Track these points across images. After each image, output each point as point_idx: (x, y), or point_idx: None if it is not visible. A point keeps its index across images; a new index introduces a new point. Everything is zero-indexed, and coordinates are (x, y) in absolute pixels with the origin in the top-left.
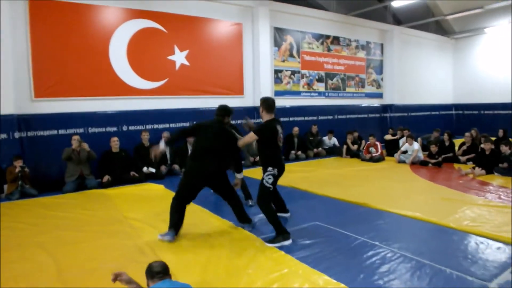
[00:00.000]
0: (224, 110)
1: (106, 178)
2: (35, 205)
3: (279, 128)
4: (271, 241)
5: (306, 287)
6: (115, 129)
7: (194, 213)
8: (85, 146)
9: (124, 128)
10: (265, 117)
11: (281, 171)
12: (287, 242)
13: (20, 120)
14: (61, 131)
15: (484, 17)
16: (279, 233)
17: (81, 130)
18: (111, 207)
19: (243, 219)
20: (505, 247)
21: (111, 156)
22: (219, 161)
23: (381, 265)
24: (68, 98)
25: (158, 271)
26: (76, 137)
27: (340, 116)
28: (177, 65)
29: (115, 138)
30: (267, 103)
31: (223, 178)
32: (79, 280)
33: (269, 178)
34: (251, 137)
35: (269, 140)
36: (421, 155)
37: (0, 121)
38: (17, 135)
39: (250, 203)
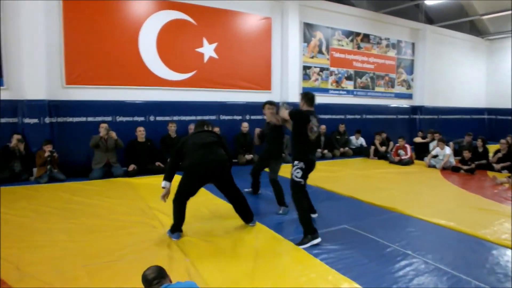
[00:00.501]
0: (202, 122)
1: (132, 167)
2: (63, 189)
3: (313, 119)
4: (300, 243)
5: None
6: (142, 119)
7: (218, 208)
8: (113, 134)
9: (151, 118)
10: (304, 107)
11: (309, 166)
12: (316, 241)
13: (51, 106)
14: (90, 119)
15: None
16: (307, 233)
17: (109, 118)
18: (136, 197)
19: (246, 218)
20: None
21: (137, 145)
22: (217, 153)
23: (415, 276)
24: (98, 86)
25: (154, 277)
26: (104, 125)
27: (368, 116)
28: (206, 58)
29: (141, 128)
30: (308, 96)
31: (227, 176)
32: (102, 270)
33: (298, 172)
34: (283, 114)
35: (300, 130)
36: (453, 161)
37: (32, 106)
38: (47, 120)
39: (280, 211)
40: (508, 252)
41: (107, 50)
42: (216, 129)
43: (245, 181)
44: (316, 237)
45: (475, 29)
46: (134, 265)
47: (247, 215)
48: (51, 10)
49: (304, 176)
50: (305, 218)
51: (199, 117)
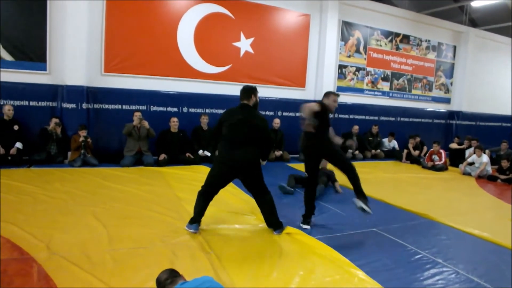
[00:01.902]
0: (248, 91)
1: (162, 156)
2: (95, 174)
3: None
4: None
5: None
6: (175, 109)
7: (249, 205)
8: (145, 123)
9: (185, 109)
10: None
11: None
12: (366, 207)
13: (89, 92)
14: (125, 106)
15: None
16: (361, 196)
17: (143, 107)
18: (165, 186)
19: (270, 223)
20: None
21: (169, 135)
22: (249, 151)
23: (445, 286)
24: (134, 75)
25: (166, 277)
26: (138, 114)
27: (403, 119)
28: (242, 52)
29: (175, 119)
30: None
31: (255, 172)
32: (127, 256)
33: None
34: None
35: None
36: (490, 169)
37: (71, 92)
38: (84, 106)
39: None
40: None
41: (146, 41)
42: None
43: (275, 178)
44: (366, 204)
45: None
46: (159, 254)
47: (271, 219)
48: (95, 2)
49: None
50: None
51: None
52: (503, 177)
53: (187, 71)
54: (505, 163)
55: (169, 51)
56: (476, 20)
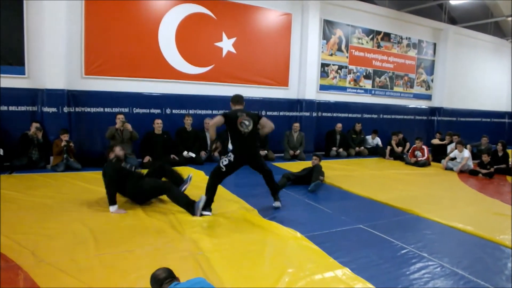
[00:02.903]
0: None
1: (147, 158)
2: (78, 178)
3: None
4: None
5: None
6: (159, 111)
7: (237, 205)
8: (128, 126)
9: (168, 111)
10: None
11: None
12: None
13: (69, 96)
14: (107, 109)
15: None
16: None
17: (126, 110)
18: None
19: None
20: None
21: (153, 137)
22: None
23: (430, 280)
24: (116, 78)
25: (165, 277)
26: (120, 116)
27: (385, 116)
28: (224, 52)
29: (159, 120)
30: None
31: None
32: (115, 260)
33: (224, 161)
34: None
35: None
36: (471, 164)
37: (52, 95)
38: (66, 109)
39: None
40: None
41: (127, 42)
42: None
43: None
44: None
45: (499, 30)
46: (148, 256)
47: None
48: (73, 2)
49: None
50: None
51: (215, 111)
52: (484, 171)
53: (170, 72)
54: (485, 158)
55: (150, 52)
56: (455, 18)
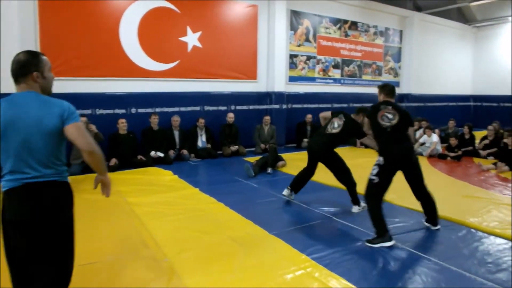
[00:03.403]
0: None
1: (113, 161)
2: None
3: (383, 109)
4: (369, 241)
5: None
6: (123, 111)
7: (207, 205)
8: (93, 127)
9: (133, 110)
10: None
11: (391, 161)
12: (387, 244)
13: None
14: None
15: (508, 5)
16: (379, 235)
17: (88, 111)
18: (115, 193)
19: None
20: None
21: (119, 138)
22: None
23: (404, 268)
24: (76, 78)
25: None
26: (83, 119)
27: (355, 104)
28: (189, 47)
29: (123, 120)
30: (382, 86)
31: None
32: (77, 274)
33: (373, 169)
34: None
35: (373, 125)
36: (440, 148)
37: None
38: None
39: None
40: (498, 240)
41: (86, 41)
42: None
43: (230, 173)
44: (387, 240)
45: (462, 16)
46: (111, 268)
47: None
48: (26, 2)
49: (382, 174)
50: (375, 219)
51: (182, 109)
52: (452, 154)
53: (133, 70)
54: (453, 141)
55: (112, 50)
56: (420, 5)
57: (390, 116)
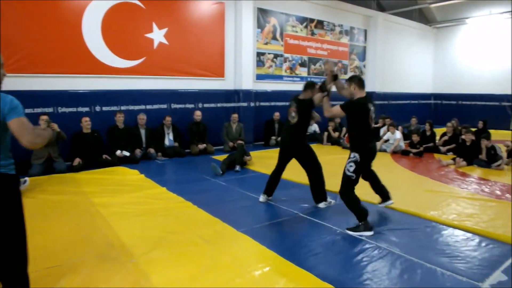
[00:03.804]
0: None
1: (76, 161)
2: None
3: (371, 107)
4: (350, 228)
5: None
6: (87, 109)
7: (175, 204)
8: (55, 126)
9: (97, 108)
10: (357, 94)
11: (368, 157)
12: (367, 233)
13: None
14: (28, 110)
15: (466, 7)
16: (361, 224)
17: (50, 110)
18: (80, 193)
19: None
20: (494, 245)
21: (82, 137)
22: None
23: (369, 263)
24: (36, 75)
25: None
26: (44, 117)
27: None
28: (155, 44)
29: (87, 118)
30: (358, 78)
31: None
32: (42, 278)
33: (350, 166)
34: (337, 110)
35: (359, 120)
36: (403, 145)
37: None
38: None
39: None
40: (456, 232)
41: (47, 37)
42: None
43: (198, 172)
44: (368, 229)
45: (423, 17)
46: (76, 271)
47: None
48: None
49: (358, 171)
50: (356, 209)
51: (148, 106)
52: (414, 150)
53: (97, 67)
54: (415, 137)
55: (74, 46)
56: (384, 5)
57: (373, 115)
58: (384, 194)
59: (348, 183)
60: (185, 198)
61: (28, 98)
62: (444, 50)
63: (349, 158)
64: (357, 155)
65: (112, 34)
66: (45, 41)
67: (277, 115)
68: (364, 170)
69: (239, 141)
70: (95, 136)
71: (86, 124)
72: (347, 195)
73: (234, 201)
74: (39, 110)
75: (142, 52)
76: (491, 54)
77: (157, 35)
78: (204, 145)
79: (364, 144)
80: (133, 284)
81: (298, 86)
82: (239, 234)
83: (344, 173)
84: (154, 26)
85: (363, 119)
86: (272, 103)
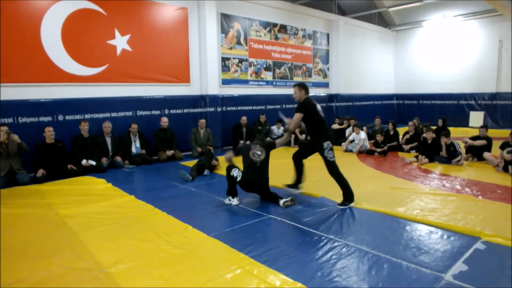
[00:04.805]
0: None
1: (40, 172)
2: None
3: (316, 103)
4: (341, 203)
5: None
6: (49, 118)
7: (144, 212)
8: (15, 137)
9: (60, 117)
10: (304, 96)
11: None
12: (352, 204)
13: None
14: None
15: (422, 11)
16: (348, 198)
17: (9, 120)
18: (44, 205)
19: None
20: (455, 237)
21: (46, 147)
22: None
23: (338, 260)
24: None
25: None
26: (3, 128)
27: (288, 106)
28: (118, 50)
29: (50, 128)
30: (305, 85)
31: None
32: None
33: (329, 153)
34: (296, 117)
35: (313, 115)
36: (368, 144)
37: None
38: None
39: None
40: (420, 226)
41: (3, 43)
42: None
43: (167, 178)
44: (351, 200)
45: (383, 20)
46: (46, 284)
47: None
48: None
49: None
50: (345, 186)
51: (114, 114)
52: (379, 150)
53: (58, 75)
54: (379, 137)
55: (33, 54)
56: (344, 9)
57: (320, 110)
58: (298, 181)
59: (335, 167)
60: (154, 205)
61: None
62: (403, 52)
63: (322, 149)
64: (328, 142)
65: (73, 41)
66: (2, 49)
67: (244, 119)
68: (306, 154)
69: (206, 147)
70: (59, 146)
71: (50, 134)
72: (339, 175)
73: (203, 206)
74: None
75: (105, 59)
76: (448, 55)
77: (120, 42)
78: (172, 151)
79: (326, 132)
80: None
81: (264, 90)
82: (210, 239)
83: (327, 161)
84: (117, 33)
85: (315, 112)
86: (239, 108)
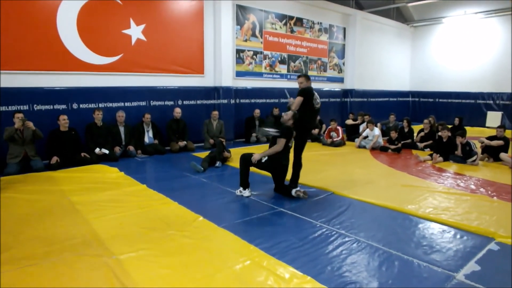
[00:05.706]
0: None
1: (54, 159)
2: None
3: (316, 95)
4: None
5: (271, 281)
6: (64, 106)
7: (155, 201)
8: (30, 124)
9: (75, 106)
10: (307, 84)
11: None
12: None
13: None
14: (2, 108)
15: (442, 7)
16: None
17: (25, 107)
18: (57, 192)
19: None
20: (468, 237)
21: (60, 135)
22: None
23: (348, 255)
24: (10, 72)
25: None
26: (19, 115)
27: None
28: (133, 40)
29: (64, 116)
30: (306, 75)
31: None
32: (16, 277)
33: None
34: (298, 99)
35: (310, 106)
36: (381, 141)
37: None
38: None
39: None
40: (433, 225)
41: (20, 32)
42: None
43: (179, 169)
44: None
45: (401, 16)
46: (54, 269)
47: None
48: None
49: None
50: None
51: (127, 104)
52: (392, 147)
53: (73, 63)
54: (393, 134)
55: (49, 42)
56: (362, 3)
57: (318, 99)
58: (293, 183)
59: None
60: (166, 195)
61: (2, 95)
62: (421, 48)
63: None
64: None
65: (88, 30)
66: (19, 37)
67: (257, 112)
68: (301, 147)
69: (219, 138)
70: (73, 134)
71: (64, 122)
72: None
73: (214, 197)
74: (14, 107)
75: (120, 48)
76: (466, 53)
77: (135, 31)
78: (185, 142)
79: (309, 126)
80: (113, 280)
81: (278, 83)
82: (220, 230)
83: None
84: (132, 22)
85: (311, 103)
86: (252, 100)
